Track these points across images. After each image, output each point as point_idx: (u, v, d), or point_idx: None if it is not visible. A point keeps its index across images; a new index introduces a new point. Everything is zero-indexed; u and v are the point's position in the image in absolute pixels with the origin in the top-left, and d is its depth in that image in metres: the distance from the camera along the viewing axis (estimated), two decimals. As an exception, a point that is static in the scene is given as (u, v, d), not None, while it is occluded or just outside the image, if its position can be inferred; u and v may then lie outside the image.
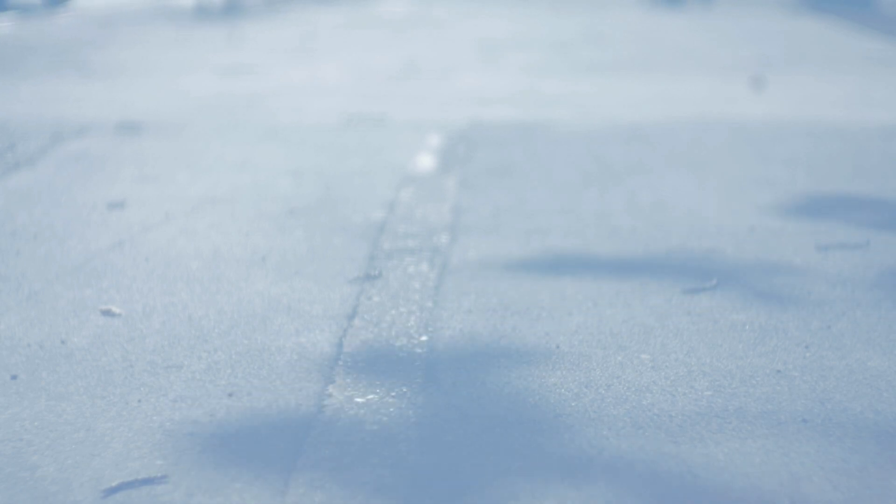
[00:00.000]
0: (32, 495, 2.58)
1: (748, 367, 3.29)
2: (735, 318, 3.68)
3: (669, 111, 7.41)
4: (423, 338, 3.51)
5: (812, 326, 3.61)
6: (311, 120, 7.14)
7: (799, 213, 4.92)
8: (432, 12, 15.17)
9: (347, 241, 4.52)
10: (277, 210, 4.99)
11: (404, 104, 7.74)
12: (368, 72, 9.37)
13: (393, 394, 3.11)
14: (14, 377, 3.24)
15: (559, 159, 5.98)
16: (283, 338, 3.53)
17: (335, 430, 2.89)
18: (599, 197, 5.19)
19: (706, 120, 7.07)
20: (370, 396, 3.09)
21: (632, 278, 4.06)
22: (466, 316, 3.70)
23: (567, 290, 3.94)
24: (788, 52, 10.55)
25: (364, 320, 3.66)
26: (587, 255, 4.34)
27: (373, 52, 10.79)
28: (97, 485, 2.63)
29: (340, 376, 3.22)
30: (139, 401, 3.09)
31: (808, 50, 10.74)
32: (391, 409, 3.01)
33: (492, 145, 6.34)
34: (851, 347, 3.44)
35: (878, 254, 4.35)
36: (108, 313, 3.70)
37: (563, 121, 7.08)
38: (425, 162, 5.92)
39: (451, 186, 5.39)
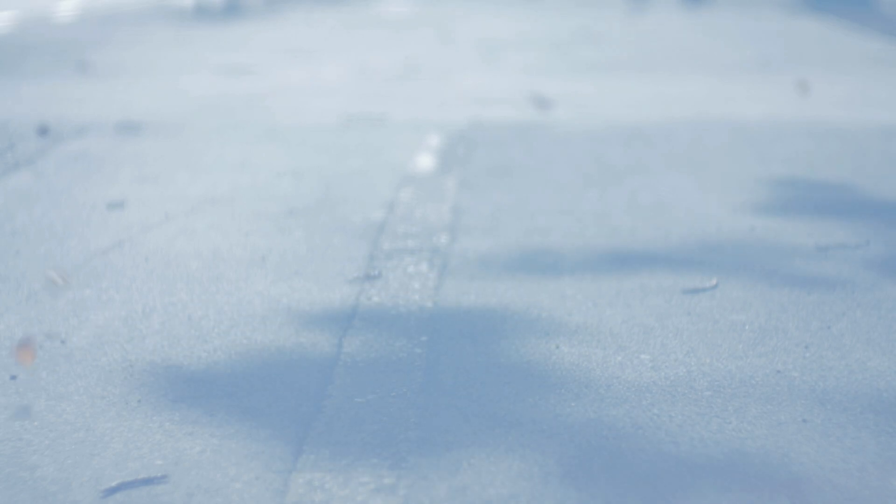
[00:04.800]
0: (32, 495, 2.58)
1: (748, 367, 3.29)
2: (735, 318, 3.68)
3: (669, 111, 7.41)
4: (423, 337, 3.51)
5: (812, 326, 3.61)
6: (311, 120, 7.14)
7: (799, 213, 4.92)
8: (432, 13, 15.17)
9: (347, 241, 4.52)
10: (277, 210, 4.99)
11: (404, 104, 7.74)
12: (368, 72, 9.37)
13: (393, 394, 3.11)
14: (14, 377, 3.24)
15: (559, 159, 5.98)
16: (283, 338, 3.53)
17: (335, 430, 2.89)
18: (599, 197, 5.19)
19: (706, 120, 7.07)
20: (370, 396, 3.09)
21: (632, 278, 4.06)
22: (466, 316, 3.70)
23: (567, 290, 3.94)
24: (788, 52, 10.55)
25: (364, 320, 3.66)
26: (587, 255, 4.34)
27: (373, 52, 10.79)
28: (97, 485, 2.63)
29: (340, 376, 3.22)
30: (139, 401, 3.09)
31: (808, 50, 10.74)
32: (391, 409, 3.01)
33: (491, 145, 6.34)
34: (851, 347, 3.44)
35: (878, 254, 4.35)
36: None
37: (563, 121, 7.08)
38: (425, 162, 5.92)
39: (451, 186, 5.39)
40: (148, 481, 2.64)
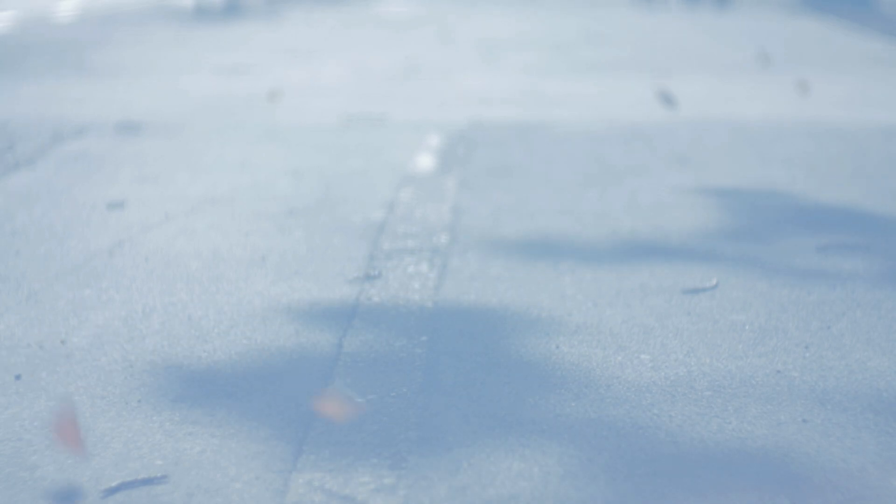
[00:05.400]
0: (32, 495, 2.58)
1: (748, 367, 3.29)
2: (735, 318, 3.68)
3: (669, 111, 7.41)
4: (423, 338, 3.51)
5: (812, 326, 3.61)
6: (311, 120, 7.14)
7: (799, 213, 4.92)
8: (432, 13, 15.17)
9: (347, 241, 4.52)
10: (277, 210, 4.99)
11: (404, 104, 7.74)
12: (368, 72, 9.37)
13: (393, 394, 3.11)
14: (18, 377, 3.24)
15: (559, 159, 5.98)
16: (283, 338, 3.53)
17: (335, 430, 2.89)
18: (599, 197, 5.19)
19: (706, 120, 7.07)
20: (370, 396, 3.09)
21: (632, 278, 4.06)
22: (466, 316, 3.70)
23: (567, 290, 3.94)
24: (788, 52, 10.55)
25: (364, 320, 3.66)
26: (587, 255, 4.34)
27: (373, 52, 10.79)
28: (97, 485, 2.63)
29: (340, 376, 3.22)
30: (139, 401, 3.09)
31: (808, 50, 10.74)
32: (391, 409, 3.01)
33: (492, 145, 6.34)
34: (851, 347, 3.44)
35: (878, 254, 4.35)
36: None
37: (563, 121, 7.08)
38: (425, 162, 5.92)
39: (451, 186, 5.39)
40: (148, 481, 2.64)
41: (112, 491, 2.60)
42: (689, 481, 2.63)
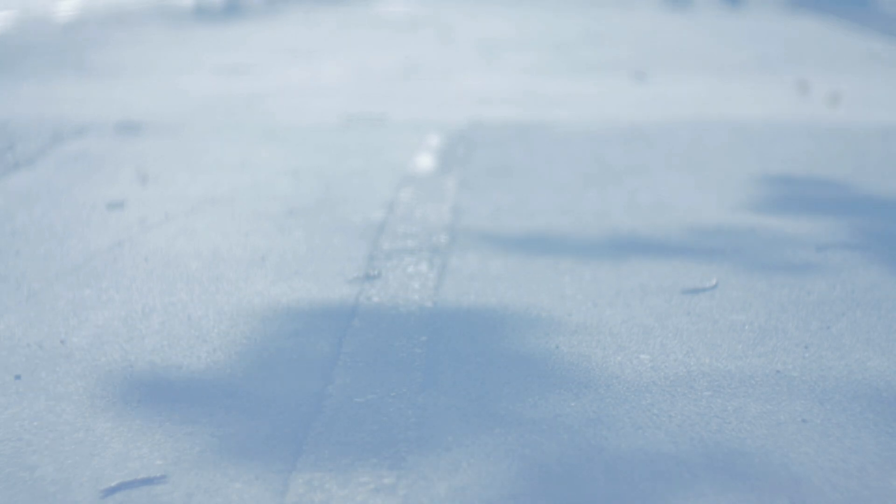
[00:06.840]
0: (32, 495, 2.58)
1: (748, 367, 3.29)
2: (735, 318, 3.68)
3: (669, 111, 7.41)
4: (423, 337, 3.51)
5: (812, 326, 3.61)
6: (311, 120, 7.14)
7: (799, 213, 4.92)
8: (432, 13, 15.17)
9: (347, 241, 4.52)
10: (277, 210, 4.99)
11: (404, 104, 7.74)
12: (368, 72, 9.37)
13: (393, 394, 3.11)
14: (18, 377, 3.24)
15: (559, 159, 5.98)
16: (283, 338, 3.53)
17: (335, 430, 2.89)
18: (599, 197, 5.19)
19: (706, 120, 7.07)
20: (370, 396, 3.09)
21: (632, 278, 4.07)
22: (466, 316, 3.70)
23: (567, 290, 3.94)
24: (788, 52, 10.55)
25: (364, 320, 3.66)
26: (587, 255, 4.34)
27: (373, 52, 10.79)
28: (97, 485, 2.63)
29: (340, 376, 3.22)
30: (139, 401, 3.09)
31: (807, 50, 10.74)
32: (391, 409, 3.01)
33: (491, 145, 6.34)
34: (851, 347, 3.44)
35: (878, 254, 4.35)
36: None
37: (563, 121, 7.08)
38: (425, 162, 5.92)
39: (451, 186, 5.39)
40: (148, 481, 2.64)
41: (112, 491, 2.60)
42: (689, 481, 2.63)
